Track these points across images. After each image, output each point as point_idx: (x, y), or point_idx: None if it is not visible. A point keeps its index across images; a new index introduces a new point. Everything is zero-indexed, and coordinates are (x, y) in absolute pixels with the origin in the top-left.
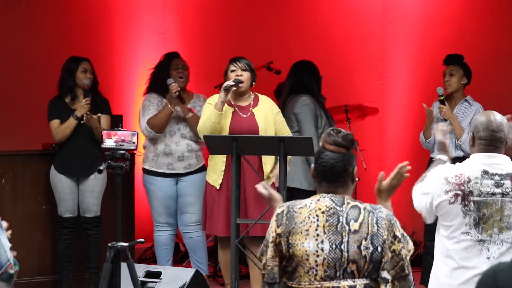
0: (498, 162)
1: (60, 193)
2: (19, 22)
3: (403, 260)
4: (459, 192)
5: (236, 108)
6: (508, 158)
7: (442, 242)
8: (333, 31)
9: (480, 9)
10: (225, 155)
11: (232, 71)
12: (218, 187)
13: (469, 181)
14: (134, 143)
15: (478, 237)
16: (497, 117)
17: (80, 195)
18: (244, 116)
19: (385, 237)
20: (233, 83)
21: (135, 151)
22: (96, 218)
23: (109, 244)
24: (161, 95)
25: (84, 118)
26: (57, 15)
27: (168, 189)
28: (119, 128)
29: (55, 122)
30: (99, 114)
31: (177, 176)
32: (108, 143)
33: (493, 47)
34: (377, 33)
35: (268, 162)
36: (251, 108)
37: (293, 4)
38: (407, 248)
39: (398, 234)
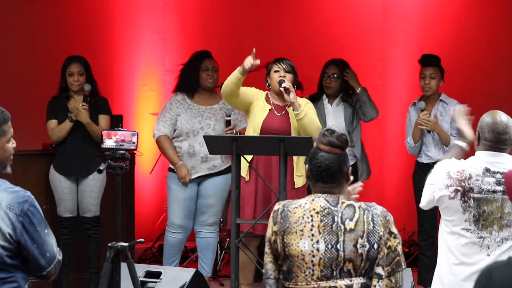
0: (502, 161)
1: (59, 193)
2: (19, 22)
3: (399, 256)
4: (459, 188)
5: (273, 107)
6: (511, 157)
7: (444, 238)
8: (333, 31)
9: (480, 9)
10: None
11: (276, 71)
12: (246, 178)
13: (470, 177)
14: (134, 143)
15: (478, 234)
16: (503, 118)
17: (79, 195)
18: (278, 114)
19: (381, 233)
20: (286, 86)
21: (135, 151)
22: (96, 218)
23: (109, 244)
24: (186, 94)
25: (73, 114)
26: (57, 15)
27: (189, 190)
28: (119, 128)
29: (52, 123)
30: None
31: (199, 178)
32: (108, 143)
33: (493, 47)
34: (377, 33)
35: (300, 161)
36: (286, 108)
37: (293, 4)
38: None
39: (393, 230)
